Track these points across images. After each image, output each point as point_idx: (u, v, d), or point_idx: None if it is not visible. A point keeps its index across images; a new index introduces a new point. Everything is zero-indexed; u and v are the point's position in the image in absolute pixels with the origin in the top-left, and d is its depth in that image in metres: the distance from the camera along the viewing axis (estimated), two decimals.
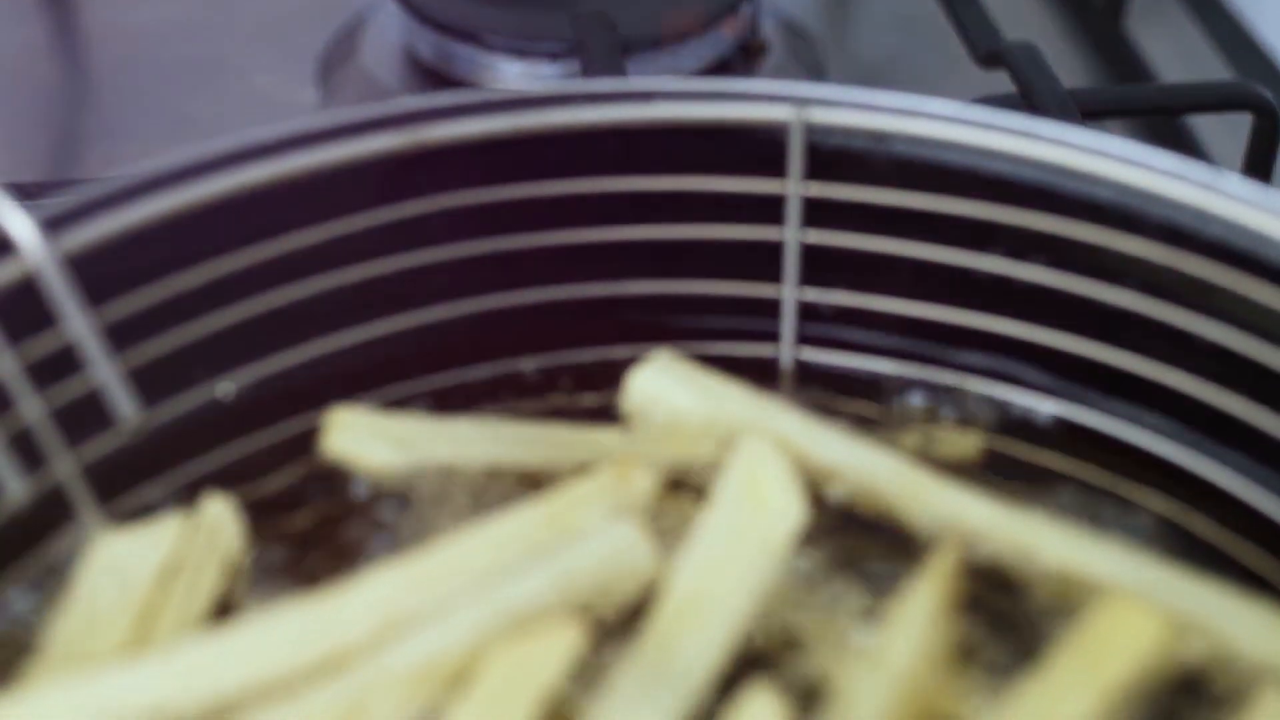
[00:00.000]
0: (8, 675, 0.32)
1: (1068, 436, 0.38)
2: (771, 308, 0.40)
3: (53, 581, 0.34)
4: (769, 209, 0.39)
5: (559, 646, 0.31)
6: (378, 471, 0.36)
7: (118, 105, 0.58)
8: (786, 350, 0.40)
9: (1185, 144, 0.55)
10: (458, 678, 0.31)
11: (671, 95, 0.39)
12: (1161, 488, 0.37)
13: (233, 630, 0.31)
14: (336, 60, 0.59)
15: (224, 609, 0.34)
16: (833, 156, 0.39)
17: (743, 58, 0.59)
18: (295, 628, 0.31)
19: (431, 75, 0.58)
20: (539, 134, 0.38)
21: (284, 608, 0.32)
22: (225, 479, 0.37)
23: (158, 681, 0.31)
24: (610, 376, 0.38)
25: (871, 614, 0.33)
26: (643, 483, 0.35)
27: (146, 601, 0.33)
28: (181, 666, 0.31)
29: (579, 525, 0.34)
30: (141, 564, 0.34)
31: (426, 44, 0.58)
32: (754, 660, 0.32)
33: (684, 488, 0.36)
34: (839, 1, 0.65)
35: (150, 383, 0.36)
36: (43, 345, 0.35)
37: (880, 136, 0.38)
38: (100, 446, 0.36)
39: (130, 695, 0.30)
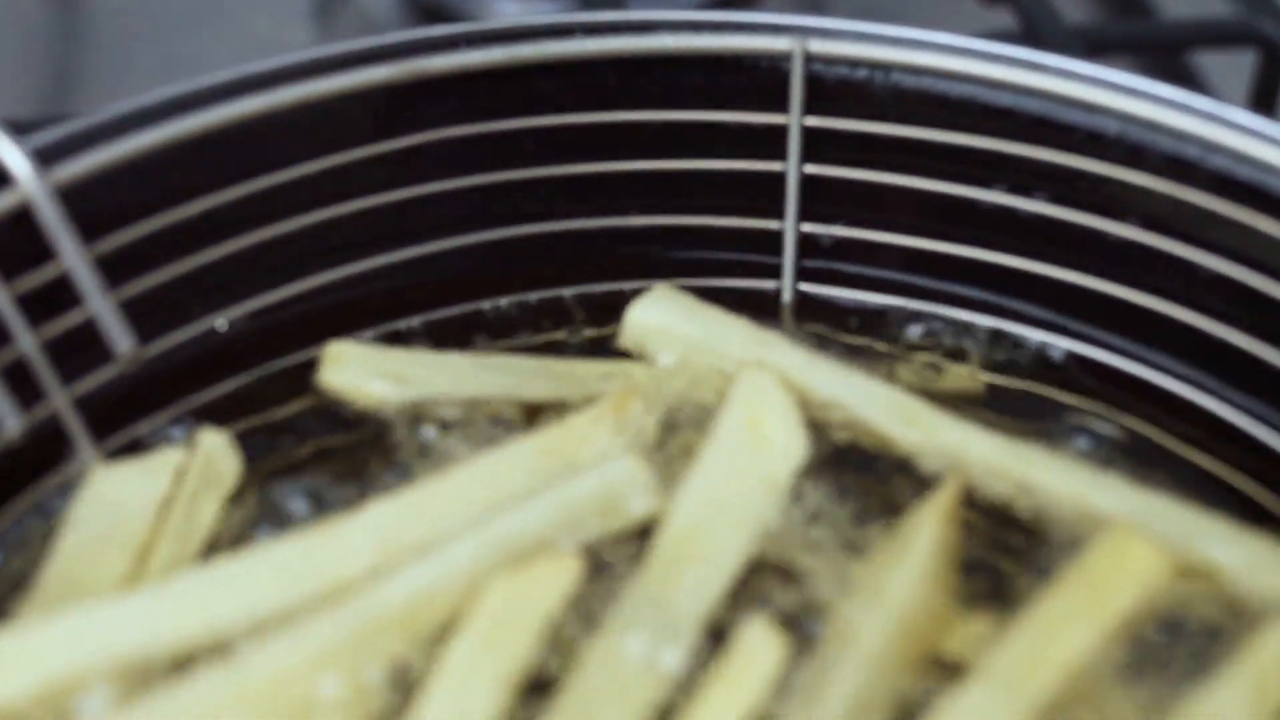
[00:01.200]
0: (4, 609, 0.32)
1: (1069, 370, 0.38)
2: (772, 241, 0.40)
3: (49, 516, 0.34)
4: (770, 142, 0.39)
5: (558, 579, 0.31)
6: (375, 405, 0.36)
7: (113, 44, 0.57)
8: (787, 284, 0.40)
9: (1189, 82, 0.54)
10: (456, 610, 0.31)
11: (672, 26, 0.38)
12: (1163, 422, 0.37)
13: (230, 563, 0.31)
14: None
15: (221, 542, 0.33)
16: (834, 88, 0.38)
17: None
18: (293, 560, 0.31)
19: (429, 12, 0.57)
20: (537, 65, 0.38)
21: (282, 540, 0.32)
22: (222, 413, 0.36)
23: (154, 614, 0.30)
24: (610, 310, 0.38)
25: (873, 548, 0.33)
26: (642, 416, 0.35)
27: (143, 535, 0.33)
28: (179, 599, 0.31)
29: (579, 458, 0.34)
30: (138, 498, 0.33)
31: None
32: (752, 594, 0.32)
33: (684, 421, 0.36)
34: None
35: (145, 316, 0.36)
36: (37, 279, 0.34)
37: (882, 67, 0.38)
38: (95, 380, 0.35)
39: (127, 628, 0.30)
